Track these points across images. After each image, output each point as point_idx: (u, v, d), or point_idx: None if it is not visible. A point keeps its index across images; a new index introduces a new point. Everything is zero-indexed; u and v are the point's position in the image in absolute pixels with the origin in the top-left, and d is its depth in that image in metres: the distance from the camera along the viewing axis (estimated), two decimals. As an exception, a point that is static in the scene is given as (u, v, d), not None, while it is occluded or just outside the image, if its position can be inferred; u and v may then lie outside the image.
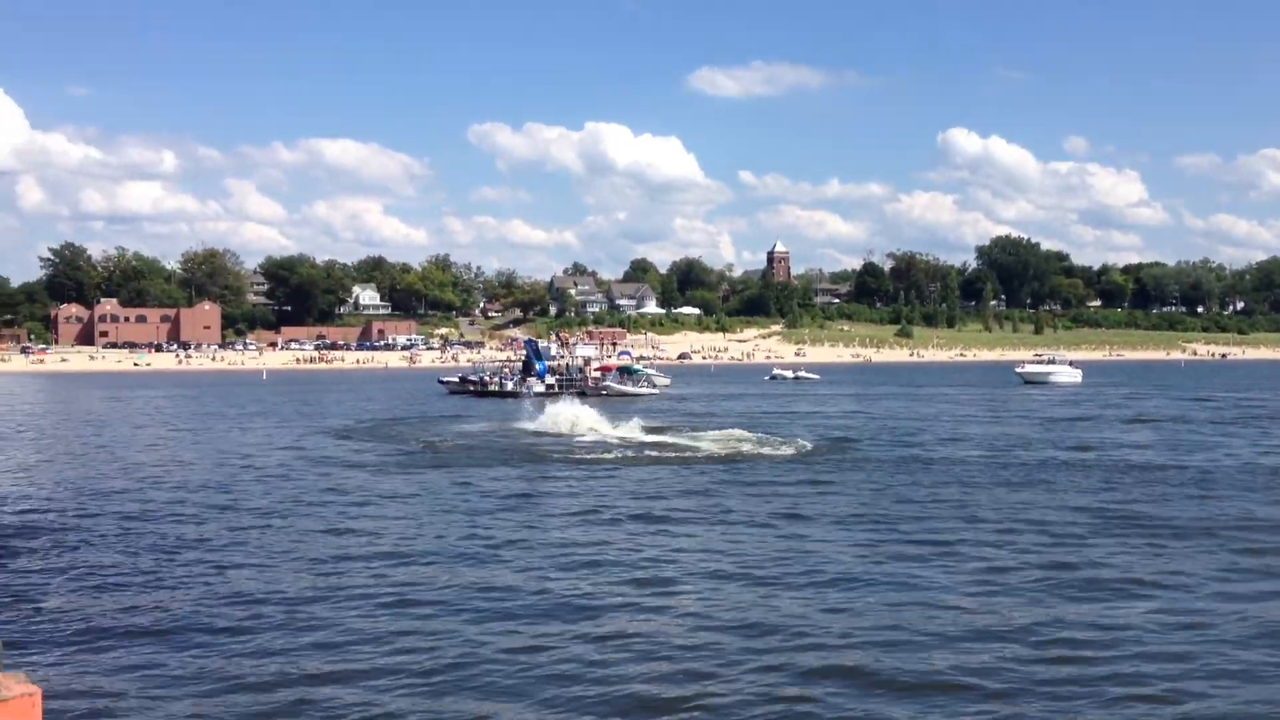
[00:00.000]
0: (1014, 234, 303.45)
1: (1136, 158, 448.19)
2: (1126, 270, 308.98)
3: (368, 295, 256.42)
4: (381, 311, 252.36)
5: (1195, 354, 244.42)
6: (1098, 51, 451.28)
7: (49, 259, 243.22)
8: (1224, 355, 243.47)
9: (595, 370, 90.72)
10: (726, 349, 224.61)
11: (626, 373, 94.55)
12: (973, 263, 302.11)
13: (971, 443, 44.79)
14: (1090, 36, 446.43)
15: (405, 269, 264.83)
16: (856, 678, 13.92)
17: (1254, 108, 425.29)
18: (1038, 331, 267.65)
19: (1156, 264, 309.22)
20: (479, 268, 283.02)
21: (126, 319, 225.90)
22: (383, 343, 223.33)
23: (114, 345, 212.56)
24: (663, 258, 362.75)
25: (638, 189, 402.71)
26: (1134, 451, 41.26)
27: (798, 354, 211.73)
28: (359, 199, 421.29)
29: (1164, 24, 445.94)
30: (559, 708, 12.97)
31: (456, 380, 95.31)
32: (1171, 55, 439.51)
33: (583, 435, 47.24)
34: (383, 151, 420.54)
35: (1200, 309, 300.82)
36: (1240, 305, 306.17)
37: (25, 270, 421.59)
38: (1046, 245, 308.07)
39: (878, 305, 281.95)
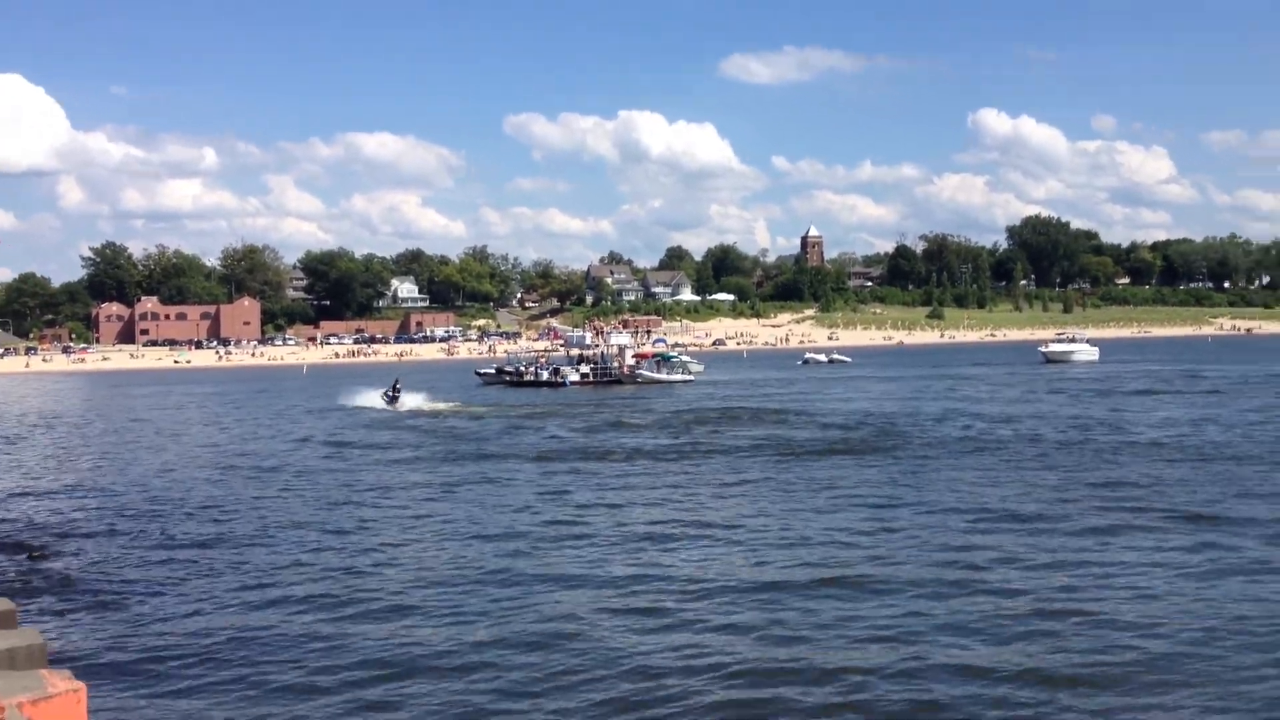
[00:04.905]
0: (1044, 214, 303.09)
1: (1164, 135, 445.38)
2: (1154, 247, 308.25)
3: (406, 288, 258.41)
4: (420, 304, 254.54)
5: (1221, 329, 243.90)
6: (1123, 28, 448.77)
7: (90, 258, 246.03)
8: (1248, 330, 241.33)
9: (631, 358, 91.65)
10: (760, 335, 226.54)
11: (662, 360, 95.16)
12: (1003, 243, 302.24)
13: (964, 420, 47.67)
14: (1116, 12, 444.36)
15: (443, 261, 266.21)
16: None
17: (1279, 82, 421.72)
18: (1067, 310, 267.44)
19: (1184, 240, 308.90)
20: (516, 258, 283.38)
21: (167, 317, 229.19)
22: (421, 335, 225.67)
23: (154, 343, 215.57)
24: (698, 245, 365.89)
25: (673, 176, 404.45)
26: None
27: (831, 338, 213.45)
28: (396, 192, 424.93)
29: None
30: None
31: (492, 371, 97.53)
32: (1196, 30, 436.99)
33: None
34: (420, 144, 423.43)
35: (1227, 284, 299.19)
36: (1266, 280, 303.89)
37: (67, 270, 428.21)
38: (1076, 224, 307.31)
39: (910, 288, 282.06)
